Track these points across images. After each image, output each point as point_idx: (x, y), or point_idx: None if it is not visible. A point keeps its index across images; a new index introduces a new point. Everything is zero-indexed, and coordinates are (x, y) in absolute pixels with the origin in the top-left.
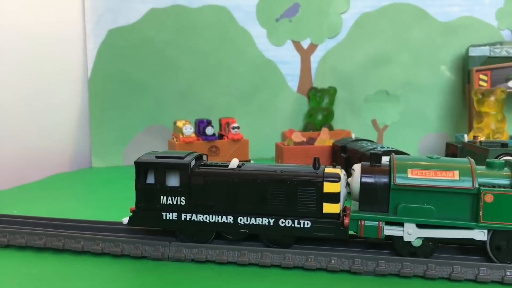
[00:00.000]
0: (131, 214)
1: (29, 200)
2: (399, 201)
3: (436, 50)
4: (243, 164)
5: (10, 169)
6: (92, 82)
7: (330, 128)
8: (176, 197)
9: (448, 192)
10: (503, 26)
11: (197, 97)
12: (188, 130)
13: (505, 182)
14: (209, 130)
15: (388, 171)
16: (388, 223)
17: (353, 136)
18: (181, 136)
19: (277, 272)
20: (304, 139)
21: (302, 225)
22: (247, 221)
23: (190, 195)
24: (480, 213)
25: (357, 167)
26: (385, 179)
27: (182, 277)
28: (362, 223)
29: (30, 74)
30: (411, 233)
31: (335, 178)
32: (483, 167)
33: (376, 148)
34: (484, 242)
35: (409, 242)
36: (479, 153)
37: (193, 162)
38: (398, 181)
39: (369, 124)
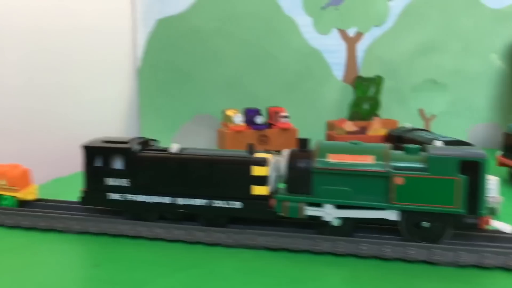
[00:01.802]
0: (82, 194)
1: None
2: (320, 183)
3: (486, 38)
4: (184, 149)
5: (64, 158)
6: (142, 72)
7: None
8: (120, 179)
9: (364, 175)
10: None
11: (242, 87)
12: (238, 119)
13: (418, 165)
14: (258, 119)
15: (312, 155)
16: (312, 204)
17: (408, 126)
18: (230, 125)
19: (352, 262)
20: (357, 129)
21: (233, 206)
22: (184, 202)
23: (133, 177)
24: (391, 195)
25: (286, 152)
26: (309, 164)
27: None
28: (285, 204)
29: (80, 65)
30: (330, 213)
31: (263, 162)
32: (401, 152)
33: (436, 138)
34: (396, 222)
35: (329, 222)
36: None
37: (136, 147)
38: (318, 164)
39: (415, 114)
